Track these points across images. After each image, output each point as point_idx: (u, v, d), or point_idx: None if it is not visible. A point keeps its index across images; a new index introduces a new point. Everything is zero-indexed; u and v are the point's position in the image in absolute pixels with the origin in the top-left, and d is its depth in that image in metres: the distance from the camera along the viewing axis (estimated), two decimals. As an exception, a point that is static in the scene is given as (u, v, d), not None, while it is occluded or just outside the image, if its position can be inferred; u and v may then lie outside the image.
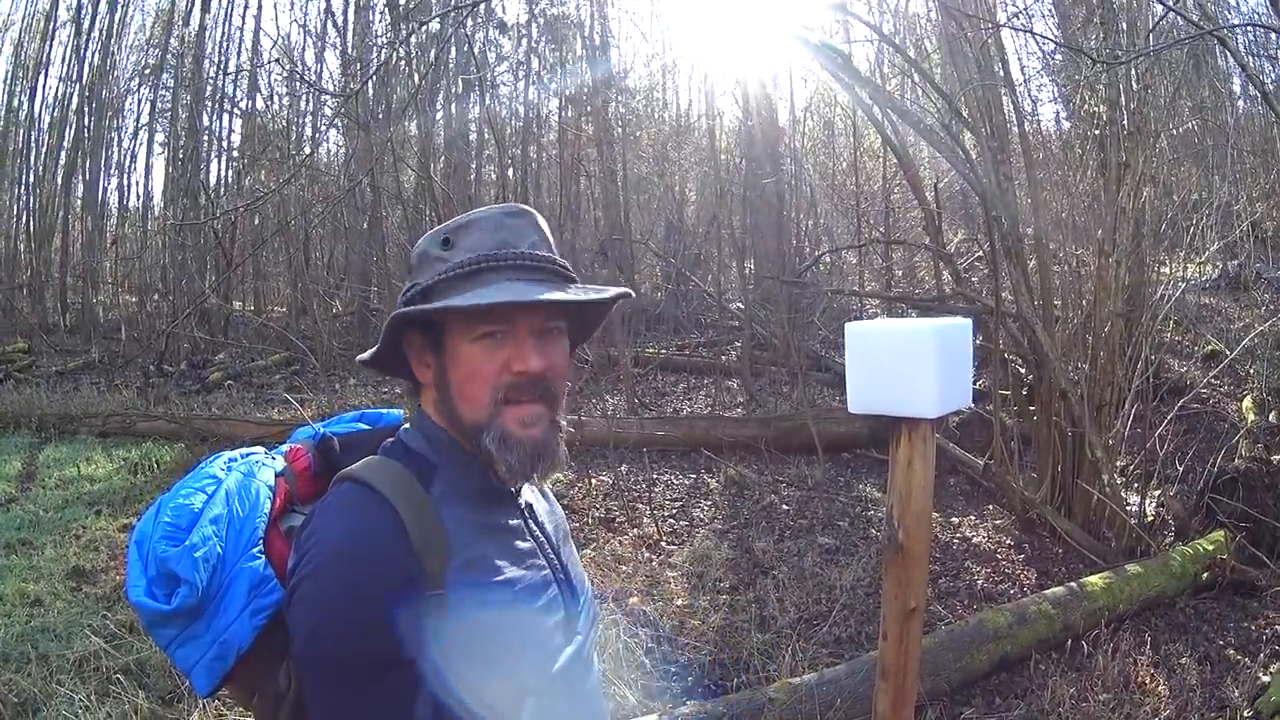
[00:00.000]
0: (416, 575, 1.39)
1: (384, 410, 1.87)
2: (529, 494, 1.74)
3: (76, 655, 5.65)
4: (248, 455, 1.70)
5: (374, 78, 15.53)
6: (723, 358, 15.17)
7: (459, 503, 1.53)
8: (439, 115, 19.88)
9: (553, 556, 1.67)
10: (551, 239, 1.67)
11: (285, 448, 1.74)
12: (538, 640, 1.54)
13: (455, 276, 1.53)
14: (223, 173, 25.56)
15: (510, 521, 1.63)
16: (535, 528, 1.68)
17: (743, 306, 15.23)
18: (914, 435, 2.35)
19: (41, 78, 26.21)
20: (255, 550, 1.51)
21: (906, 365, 2.25)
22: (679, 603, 6.34)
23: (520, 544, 1.61)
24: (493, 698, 1.42)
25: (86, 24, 25.37)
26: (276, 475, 1.65)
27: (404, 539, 1.40)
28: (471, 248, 1.56)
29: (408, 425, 1.68)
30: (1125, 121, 7.09)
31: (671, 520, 8.24)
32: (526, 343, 1.53)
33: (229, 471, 1.62)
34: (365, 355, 1.67)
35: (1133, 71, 7.05)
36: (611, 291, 1.63)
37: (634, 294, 1.76)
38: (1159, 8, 7.30)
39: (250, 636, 1.46)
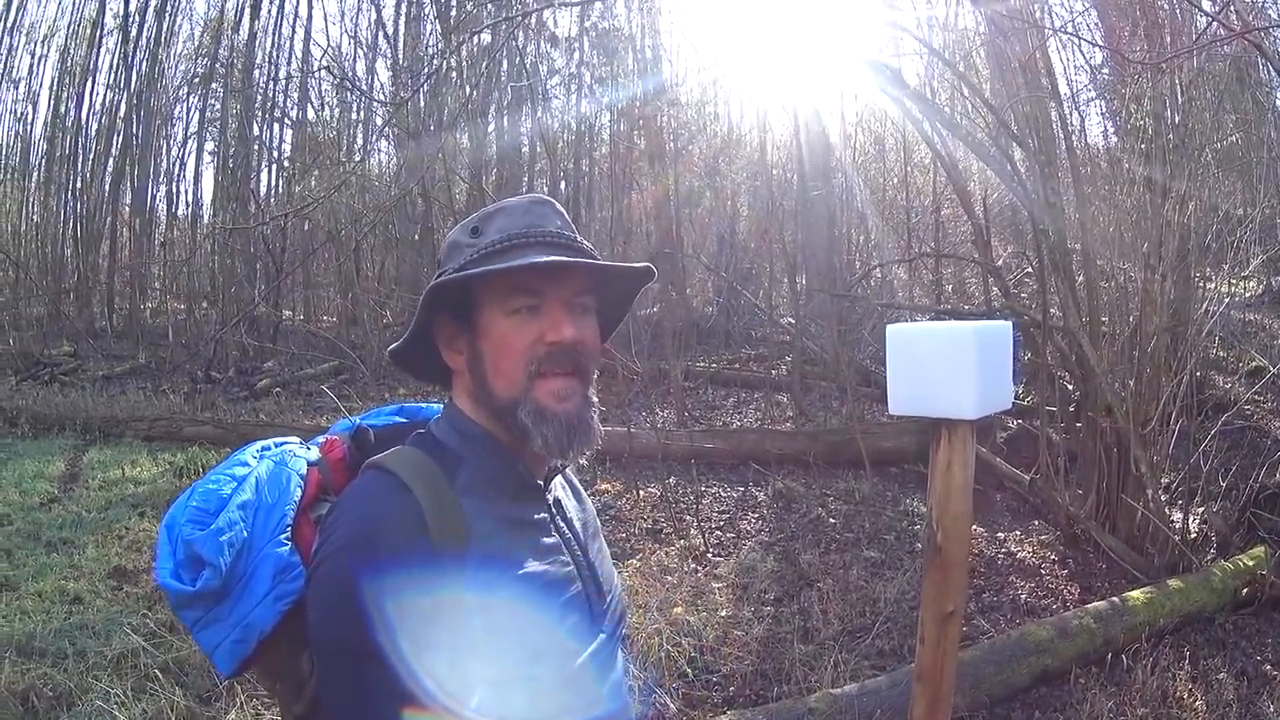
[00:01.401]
0: (433, 562, 1.43)
1: (422, 404, 1.93)
2: (559, 490, 1.79)
3: (115, 652, 5.78)
4: (281, 444, 1.75)
5: (424, 88, 15.79)
6: (773, 372, 15.33)
7: (483, 495, 1.58)
8: (490, 128, 20.12)
9: (579, 553, 1.71)
10: (574, 228, 1.75)
11: (321, 439, 1.80)
12: (557, 635, 1.56)
13: (485, 255, 1.60)
14: (273, 181, 25.96)
15: (536, 516, 1.67)
16: (562, 523, 1.72)
17: (793, 321, 15.38)
18: (954, 437, 2.33)
19: (89, 85, 26.60)
20: (282, 537, 1.54)
21: (946, 366, 2.24)
22: (723, 613, 6.39)
23: (545, 539, 1.65)
24: (509, 691, 1.46)
25: (134, 32, 25.80)
26: (310, 465, 1.69)
27: (422, 526, 1.45)
28: (500, 229, 1.64)
29: (438, 417, 1.73)
30: (1170, 135, 7.13)
31: (718, 532, 8.33)
32: (558, 311, 1.59)
33: (261, 459, 1.67)
34: (397, 344, 1.73)
35: (1176, 85, 7.17)
36: (637, 265, 1.73)
37: (656, 272, 1.82)
38: (1202, 20, 7.40)
39: (273, 621, 1.48)
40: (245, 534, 1.51)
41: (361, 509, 1.49)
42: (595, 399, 1.67)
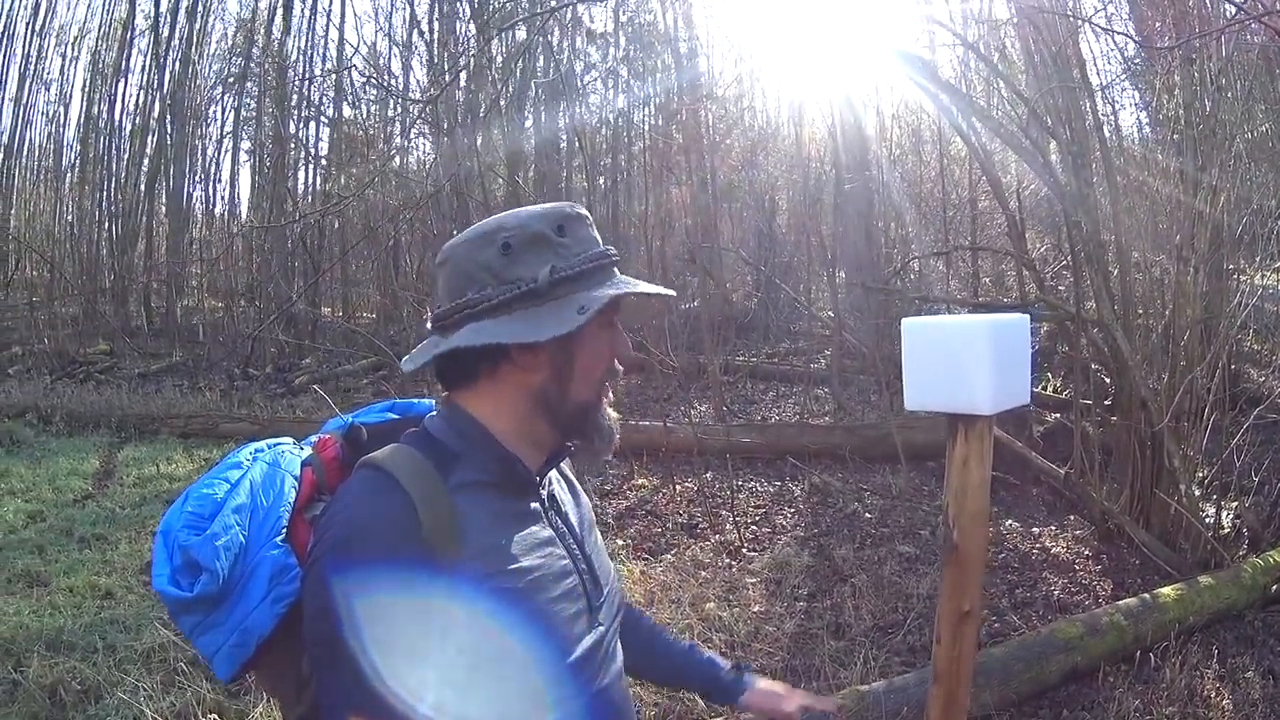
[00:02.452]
0: (423, 559, 1.44)
1: (414, 400, 1.96)
2: (554, 484, 1.82)
3: (144, 647, 5.89)
4: (275, 445, 1.78)
5: (458, 84, 15.93)
6: (812, 366, 15.40)
7: (477, 490, 1.59)
8: (528, 123, 20.26)
9: (574, 546, 1.74)
10: None
11: (314, 438, 1.83)
12: (553, 629, 1.58)
13: (594, 268, 1.64)
14: (310, 179, 26.13)
15: (530, 509, 1.69)
16: (557, 517, 1.75)
17: (832, 314, 15.44)
18: (970, 433, 2.32)
19: (121, 86, 26.96)
20: (278, 539, 1.57)
21: (962, 361, 2.23)
22: (755, 609, 6.48)
23: (540, 532, 1.66)
24: (504, 687, 1.49)
25: (165, 32, 26.10)
26: (303, 465, 1.73)
27: (413, 523, 1.45)
28: (585, 240, 1.66)
29: (433, 414, 1.74)
30: (1200, 125, 7.14)
31: (754, 527, 8.37)
32: (622, 331, 1.72)
33: (255, 461, 1.69)
34: (479, 339, 1.59)
35: (1206, 73, 7.21)
36: (668, 292, 1.78)
37: (671, 293, 1.83)
38: (1230, 8, 7.40)
39: (271, 624, 1.52)
40: (241, 538, 1.54)
41: (354, 508, 1.51)
42: None
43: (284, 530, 1.59)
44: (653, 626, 2.27)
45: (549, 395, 1.66)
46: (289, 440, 1.82)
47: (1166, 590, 5.88)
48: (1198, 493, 7.19)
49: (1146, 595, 5.87)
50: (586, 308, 1.58)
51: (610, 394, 1.73)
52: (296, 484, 1.67)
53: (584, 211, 1.71)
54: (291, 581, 1.54)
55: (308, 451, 1.78)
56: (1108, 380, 8.24)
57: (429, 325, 1.70)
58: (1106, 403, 8.09)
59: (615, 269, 1.70)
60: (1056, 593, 6.66)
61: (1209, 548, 6.57)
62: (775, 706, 2.22)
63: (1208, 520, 6.89)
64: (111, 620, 6.52)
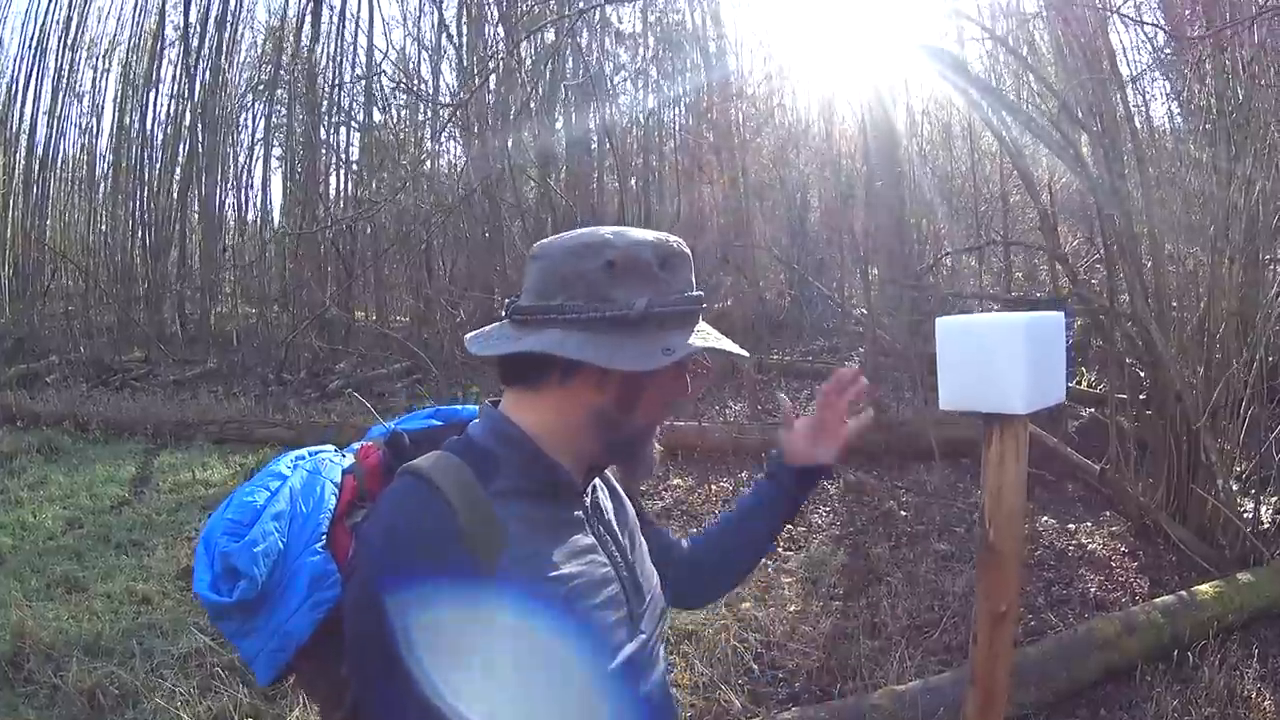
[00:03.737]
0: (467, 567, 1.44)
1: (459, 407, 1.95)
2: (597, 491, 1.82)
3: (181, 651, 5.99)
4: (316, 453, 1.79)
5: (487, 87, 15.98)
6: (846, 363, 15.06)
7: (518, 498, 1.58)
8: (558, 125, 20.33)
9: (615, 553, 1.73)
10: None
11: (357, 445, 1.83)
12: (594, 637, 1.57)
13: (687, 311, 1.66)
14: (342, 185, 26.34)
15: (572, 517, 1.68)
16: (599, 524, 1.74)
17: (866, 311, 15.44)
18: (1005, 432, 2.29)
19: (152, 96, 27.11)
20: (318, 545, 1.59)
21: (996, 359, 2.21)
22: (791, 609, 6.53)
23: (581, 539, 1.66)
24: (546, 694, 1.48)
25: (195, 43, 26.19)
26: (345, 472, 1.74)
27: (454, 531, 1.44)
28: (681, 278, 1.67)
29: (476, 420, 1.74)
30: (1234, 114, 7.07)
31: (789, 526, 8.23)
32: (689, 380, 1.75)
33: (295, 469, 1.72)
34: (562, 349, 1.58)
35: (1238, 63, 7.15)
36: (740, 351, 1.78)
37: (747, 355, 1.89)
38: None
39: (309, 629, 1.54)
40: (280, 544, 1.57)
41: (394, 515, 1.51)
42: None
43: (324, 537, 1.61)
44: (709, 528, 2.31)
45: (608, 418, 1.66)
46: (330, 448, 1.84)
47: (1204, 587, 5.86)
48: (1235, 487, 7.15)
49: (1184, 592, 5.85)
50: (673, 350, 1.59)
51: (661, 430, 1.76)
52: (337, 491, 1.69)
53: (687, 250, 1.71)
54: (331, 588, 1.55)
55: (350, 459, 1.79)
56: (1143, 374, 8.18)
57: (505, 314, 1.69)
58: (1142, 397, 8.04)
59: (700, 315, 1.70)
60: (1093, 590, 6.66)
61: (1247, 544, 6.50)
62: (818, 423, 2.28)
63: (1246, 515, 6.85)
64: (149, 625, 6.63)
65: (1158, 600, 5.80)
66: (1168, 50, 11.10)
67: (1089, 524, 7.86)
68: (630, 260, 1.61)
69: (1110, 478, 7.89)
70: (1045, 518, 8.00)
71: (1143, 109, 11.88)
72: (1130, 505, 7.46)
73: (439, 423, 1.89)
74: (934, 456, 9.15)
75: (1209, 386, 6.78)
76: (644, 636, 1.70)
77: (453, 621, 1.41)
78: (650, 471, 1.75)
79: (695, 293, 1.68)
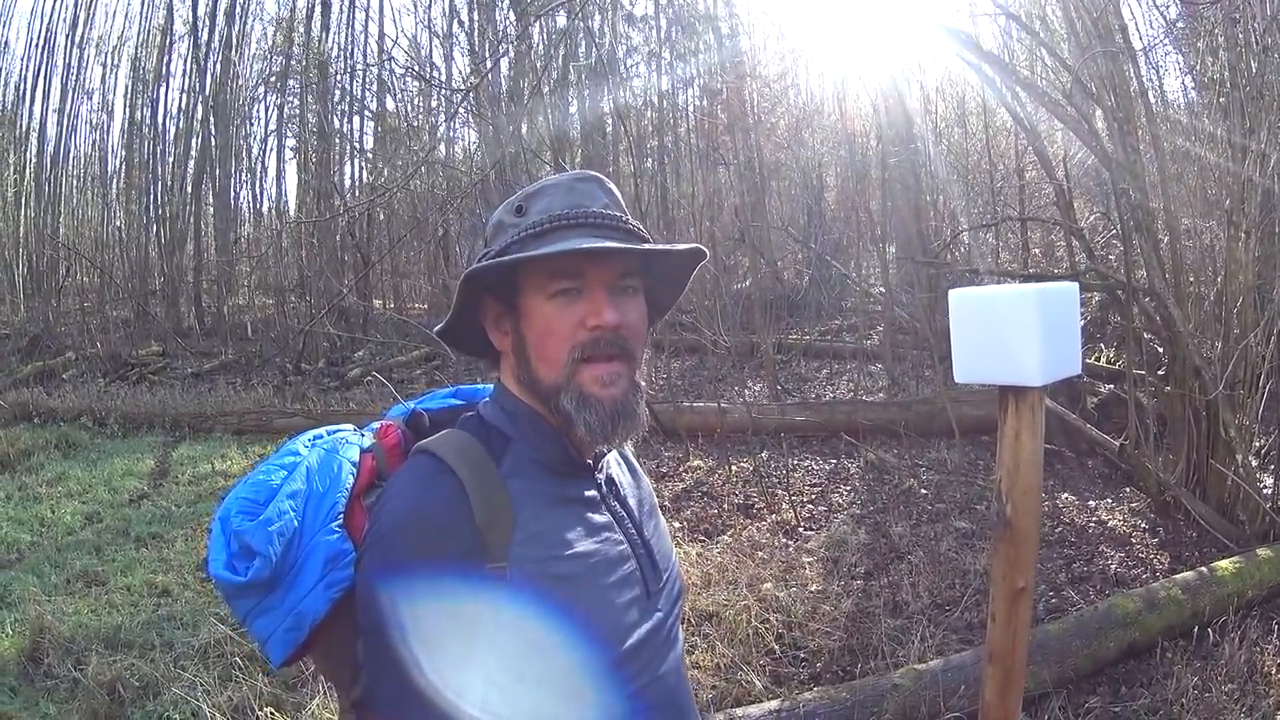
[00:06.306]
0: (478, 546, 1.46)
1: (479, 386, 1.94)
2: (612, 467, 1.81)
3: (201, 643, 6.04)
4: (334, 432, 1.78)
5: (499, 71, 16.01)
6: (865, 342, 15.42)
7: (531, 475, 1.60)
8: (572, 108, 20.36)
9: (632, 531, 1.72)
10: (623, 203, 1.73)
11: (377, 424, 1.83)
12: (608, 615, 1.58)
13: (527, 236, 1.61)
14: (356, 173, 26.48)
15: (586, 494, 1.68)
16: (615, 501, 1.74)
17: (884, 290, 15.46)
18: (1021, 405, 2.20)
19: (163, 90, 27.32)
20: (334, 525, 1.57)
21: (1010, 331, 2.13)
22: (813, 588, 6.56)
23: (595, 517, 1.66)
24: (557, 671, 1.49)
25: (205, 36, 26.45)
26: (363, 451, 1.72)
27: (465, 509, 1.47)
28: (543, 210, 1.63)
29: (487, 399, 1.76)
30: (1247, 86, 7.03)
31: (810, 506, 8.48)
32: (599, 296, 1.60)
33: (312, 448, 1.70)
34: (441, 325, 1.75)
35: (1251, 34, 7.17)
36: (683, 246, 1.70)
37: (708, 253, 1.78)
38: None
39: (325, 608, 1.52)
40: (296, 523, 1.55)
41: (405, 494, 1.54)
42: (642, 383, 1.69)
43: (340, 516, 1.59)
44: None
45: (521, 374, 1.68)
46: (349, 427, 1.84)
47: (1224, 563, 5.88)
48: (1255, 463, 7.16)
49: (1204, 568, 5.85)
50: (470, 287, 1.64)
51: (603, 370, 1.62)
52: (355, 470, 1.67)
53: (557, 179, 1.69)
54: (346, 567, 1.54)
55: (369, 438, 1.78)
56: (1161, 350, 8.22)
57: None
58: (1160, 373, 8.02)
59: (571, 230, 1.63)
60: (1113, 566, 6.68)
61: (1267, 519, 6.52)
62: None
63: (1266, 491, 6.85)
64: (169, 617, 6.73)
65: (1178, 576, 5.81)
66: (1180, 23, 11.08)
67: (1109, 500, 7.89)
68: (491, 225, 1.71)
69: (1130, 453, 7.95)
70: (1065, 494, 8.05)
71: (1156, 83, 11.87)
72: (1150, 481, 7.45)
73: (459, 402, 1.92)
74: (954, 434, 9.18)
75: (1227, 361, 6.78)
76: (660, 615, 1.70)
77: (460, 603, 1.44)
78: (604, 426, 1.62)
79: (549, 215, 1.63)
